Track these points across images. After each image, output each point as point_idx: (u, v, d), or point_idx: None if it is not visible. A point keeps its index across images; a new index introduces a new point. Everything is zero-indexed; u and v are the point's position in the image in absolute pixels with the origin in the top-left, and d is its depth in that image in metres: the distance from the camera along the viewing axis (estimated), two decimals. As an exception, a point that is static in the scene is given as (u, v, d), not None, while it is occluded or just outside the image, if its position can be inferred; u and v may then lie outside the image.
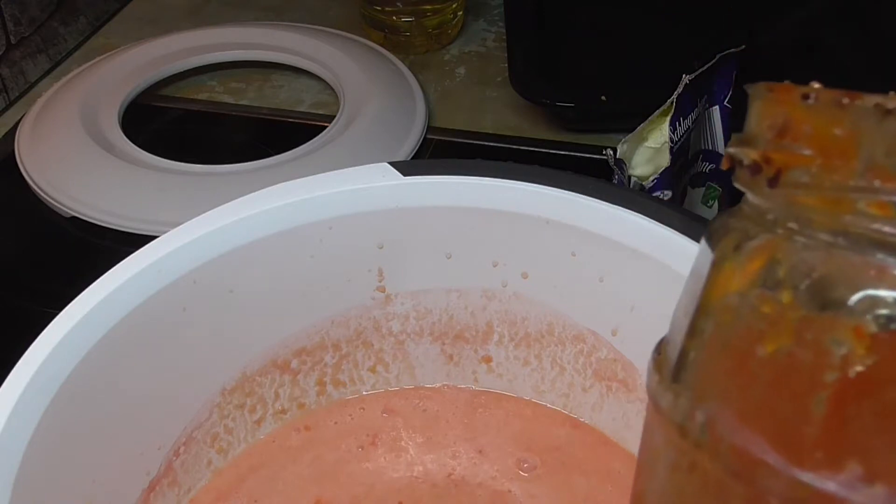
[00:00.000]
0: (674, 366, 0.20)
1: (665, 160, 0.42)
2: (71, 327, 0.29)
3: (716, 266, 0.19)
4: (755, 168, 0.19)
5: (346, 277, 0.36)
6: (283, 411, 0.38)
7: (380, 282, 0.37)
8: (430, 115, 0.59)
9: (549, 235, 0.34)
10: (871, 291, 0.16)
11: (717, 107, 0.46)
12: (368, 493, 0.36)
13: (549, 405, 0.38)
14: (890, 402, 0.16)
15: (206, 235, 0.33)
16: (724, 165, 0.20)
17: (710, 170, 0.46)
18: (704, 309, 0.19)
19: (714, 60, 0.43)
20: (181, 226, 0.33)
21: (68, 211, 0.51)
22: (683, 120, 0.42)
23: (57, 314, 0.30)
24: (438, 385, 0.40)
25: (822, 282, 0.17)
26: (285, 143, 0.54)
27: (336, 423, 0.38)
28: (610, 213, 0.33)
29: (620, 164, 0.42)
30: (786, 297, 0.17)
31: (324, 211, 0.34)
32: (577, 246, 0.34)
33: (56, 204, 0.52)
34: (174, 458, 0.34)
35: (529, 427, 0.38)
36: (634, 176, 0.43)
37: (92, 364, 0.30)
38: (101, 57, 0.63)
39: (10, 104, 0.63)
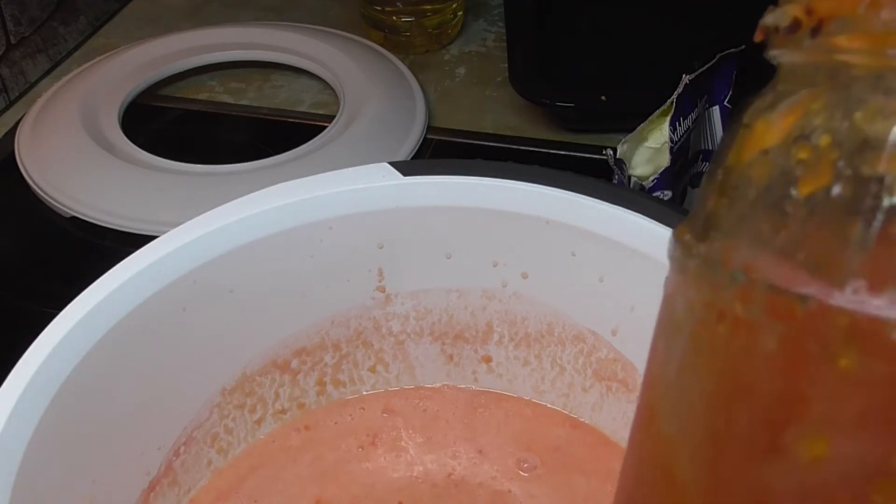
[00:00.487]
0: (701, 227, 0.20)
1: (665, 160, 0.42)
2: (71, 327, 0.29)
3: (747, 126, 0.19)
4: (794, 26, 0.18)
5: (346, 277, 0.36)
6: (283, 411, 0.38)
7: (380, 282, 0.37)
8: (430, 115, 0.59)
9: (549, 235, 0.34)
10: None
11: (717, 107, 0.46)
12: (368, 493, 0.36)
13: (549, 405, 0.38)
14: None
15: (206, 235, 0.33)
16: (758, 37, 0.19)
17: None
18: (735, 168, 0.19)
19: (714, 60, 0.43)
20: (181, 226, 0.33)
21: (68, 211, 0.51)
22: (683, 120, 0.42)
23: (57, 314, 0.30)
24: (438, 385, 0.40)
25: (863, 120, 0.17)
26: (285, 143, 0.54)
27: (336, 423, 0.38)
28: (610, 213, 0.33)
29: (620, 164, 0.42)
30: (824, 140, 0.17)
31: (324, 211, 0.34)
32: (577, 246, 0.34)
33: (56, 204, 0.52)
34: (174, 458, 0.34)
35: (529, 427, 0.38)
36: (634, 176, 0.43)
37: (92, 364, 0.30)
38: (101, 57, 0.63)
39: (10, 104, 0.63)
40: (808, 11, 0.18)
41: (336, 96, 0.59)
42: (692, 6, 0.63)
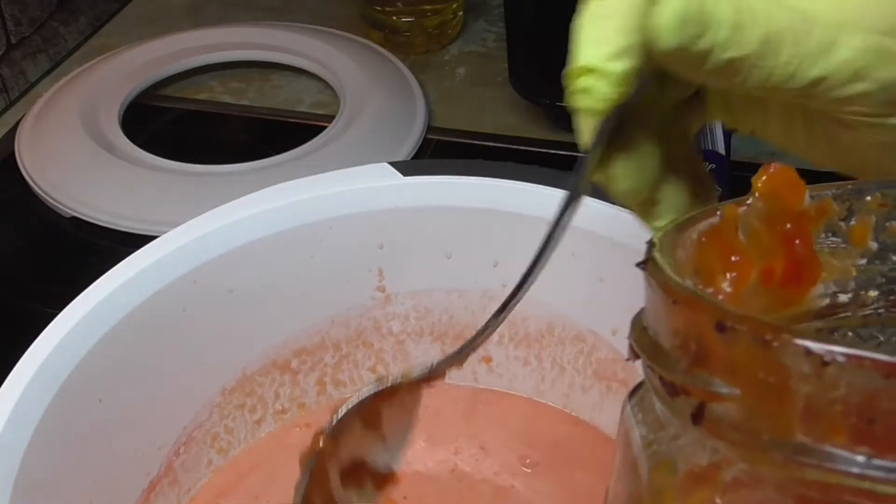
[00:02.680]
0: None
1: (665, 160, 0.42)
2: (71, 327, 0.29)
3: (655, 495, 0.17)
4: (672, 390, 0.15)
5: (346, 277, 0.36)
6: (283, 411, 0.38)
7: (380, 282, 0.37)
8: (430, 115, 0.59)
9: (549, 235, 0.34)
10: None
11: (716, 106, 0.46)
12: (368, 493, 0.36)
13: (549, 404, 0.38)
14: None
15: (206, 235, 0.33)
16: (630, 358, 0.17)
17: (709, 170, 0.46)
18: None
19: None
20: (181, 226, 0.33)
21: (68, 211, 0.51)
22: (683, 120, 0.42)
23: (57, 314, 0.30)
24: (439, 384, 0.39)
25: None
26: (285, 143, 0.54)
27: (336, 422, 0.38)
28: (610, 213, 0.33)
29: (620, 163, 0.42)
30: None
31: (324, 211, 0.34)
32: (577, 246, 0.34)
33: (56, 204, 0.52)
34: (174, 458, 0.34)
35: (531, 424, 0.38)
36: (634, 176, 0.43)
37: (92, 364, 0.30)
38: (101, 57, 0.63)
39: (10, 104, 0.63)
40: (685, 391, 0.15)
41: (336, 96, 0.59)
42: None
